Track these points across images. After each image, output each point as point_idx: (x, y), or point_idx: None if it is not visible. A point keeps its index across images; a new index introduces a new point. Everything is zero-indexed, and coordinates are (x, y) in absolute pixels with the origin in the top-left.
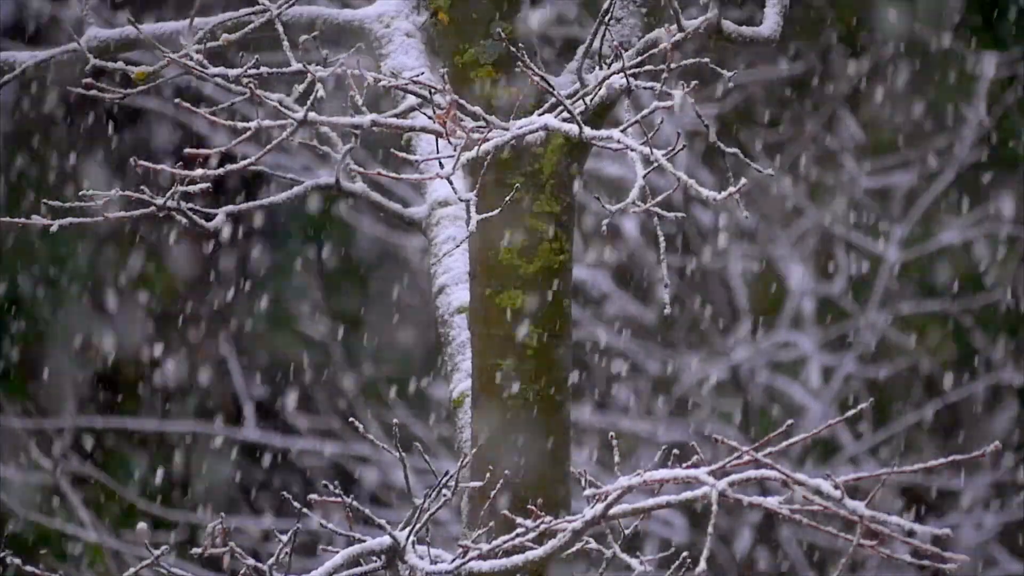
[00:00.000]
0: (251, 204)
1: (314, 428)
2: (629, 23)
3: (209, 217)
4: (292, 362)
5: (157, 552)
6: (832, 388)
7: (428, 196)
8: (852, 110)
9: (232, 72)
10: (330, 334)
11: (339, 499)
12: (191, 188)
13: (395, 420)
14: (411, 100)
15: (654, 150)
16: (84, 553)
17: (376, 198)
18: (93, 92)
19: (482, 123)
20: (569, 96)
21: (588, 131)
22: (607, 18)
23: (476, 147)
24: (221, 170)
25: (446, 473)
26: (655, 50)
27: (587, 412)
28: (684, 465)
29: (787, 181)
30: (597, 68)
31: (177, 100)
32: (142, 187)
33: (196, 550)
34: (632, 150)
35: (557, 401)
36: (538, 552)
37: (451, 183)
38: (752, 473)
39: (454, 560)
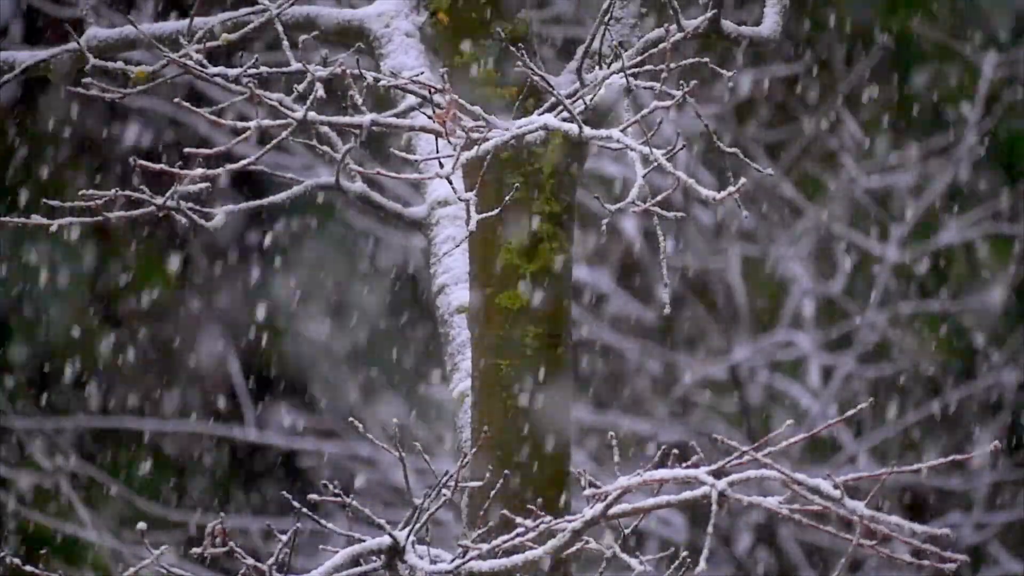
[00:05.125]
0: (251, 204)
1: (314, 428)
2: (629, 23)
3: (208, 217)
4: (291, 362)
5: (157, 552)
6: (832, 388)
7: (428, 196)
8: (852, 110)
9: (232, 72)
10: (330, 334)
11: (339, 499)
12: (190, 188)
13: (395, 420)
14: (411, 100)
15: (654, 150)
16: (84, 553)
17: (376, 198)
18: (93, 92)
19: (482, 123)
20: (569, 96)
21: (588, 131)
22: (607, 18)
23: (476, 147)
24: (220, 170)
25: (446, 473)
26: (655, 50)
27: (587, 412)
28: (684, 465)
29: (787, 181)
30: (597, 68)
31: (177, 100)
32: (141, 187)
33: (196, 550)
34: (632, 150)
35: (557, 401)
36: (538, 552)
37: (451, 183)
38: (752, 473)
39: (454, 560)
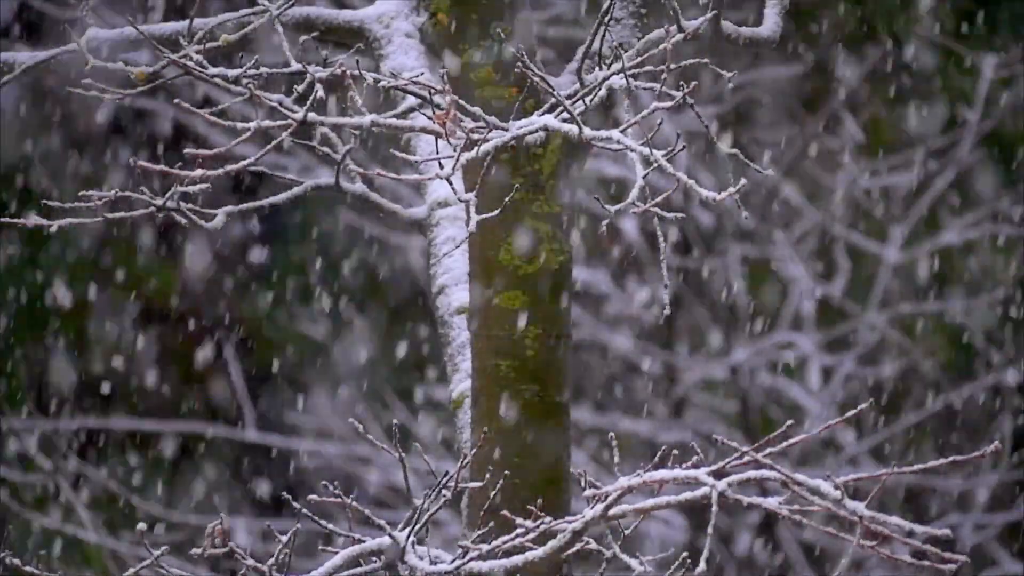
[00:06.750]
0: (251, 204)
1: (314, 428)
2: (628, 23)
3: (208, 217)
4: (292, 362)
5: (157, 552)
6: (832, 388)
7: (428, 197)
8: (852, 110)
9: (232, 72)
10: (330, 334)
11: (339, 499)
12: (191, 188)
13: (395, 420)
14: (411, 100)
15: (654, 150)
16: (84, 553)
17: (376, 199)
18: (93, 92)
19: (482, 123)
20: (569, 96)
21: (588, 131)
22: (607, 18)
23: (476, 148)
24: (220, 170)
25: (446, 473)
26: (655, 51)
27: (587, 412)
28: (684, 465)
29: (787, 181)
30: (597, 68)
31: (177, 100)
32: (141, 187)
33: (196, 550)
34: (632, 150)
35: (557, 401)
36: (538, 552)
37: (451, 183)
38: (752, 473)
39: (454, 560)
